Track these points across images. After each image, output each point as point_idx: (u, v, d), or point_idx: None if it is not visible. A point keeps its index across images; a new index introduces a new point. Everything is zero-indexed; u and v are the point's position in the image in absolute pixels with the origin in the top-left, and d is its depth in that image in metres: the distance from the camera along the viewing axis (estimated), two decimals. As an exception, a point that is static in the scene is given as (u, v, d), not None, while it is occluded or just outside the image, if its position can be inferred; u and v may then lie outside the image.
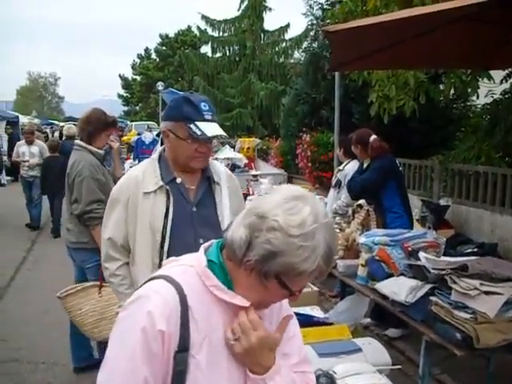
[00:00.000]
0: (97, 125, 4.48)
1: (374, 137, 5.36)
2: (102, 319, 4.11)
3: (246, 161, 13.71)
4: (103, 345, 4.45)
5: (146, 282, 1.49)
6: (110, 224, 2.70)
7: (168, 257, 2.28)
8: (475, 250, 6.53)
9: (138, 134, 15.13)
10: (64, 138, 12.63)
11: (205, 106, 2.49)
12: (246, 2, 26.75)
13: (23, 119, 27.62)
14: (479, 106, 10.44)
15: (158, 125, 18.84)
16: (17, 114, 27.82)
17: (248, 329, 1.42)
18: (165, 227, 2.55)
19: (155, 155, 2.72)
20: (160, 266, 2.17)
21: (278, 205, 1.34)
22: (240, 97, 25.49)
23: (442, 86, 8.11)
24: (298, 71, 15.52)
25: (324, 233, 1.34)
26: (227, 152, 13.89)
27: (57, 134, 21.62)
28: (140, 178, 2.61)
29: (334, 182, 6.36)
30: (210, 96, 25.27)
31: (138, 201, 2.59)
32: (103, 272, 2.89)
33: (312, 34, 14.23)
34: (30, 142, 11.34)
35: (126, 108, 55.76)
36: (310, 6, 14.08)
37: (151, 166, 2.66)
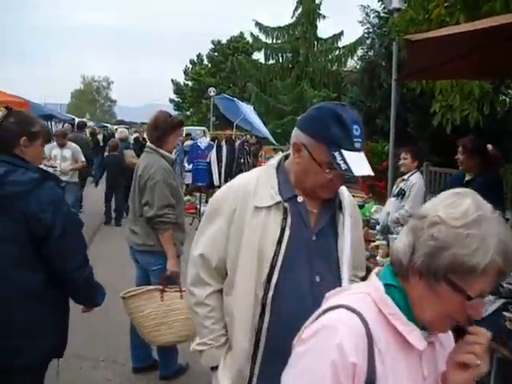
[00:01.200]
0: (164, 127, 4.47)
1: (490, 147, 5.15)
2: (162, 324, 4.15)
3: (299, 168, 13.68)
4: (162, 347, 4.54)
5: (321, 314, 1.35)
6: (204, 239, 2.22)
7: (276, 293, 2.03)
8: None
9: (192, 139, 15.24)
10: (119, 141, 13.02)
11: (357, 129, 1.96)
12: (300, 10, 26.77)
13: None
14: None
15: (209, 130, 18.95)
16: (73, 116, 28.60)
17: (483, 354, 1.33)
18: (276, 255, 2.05)
19: (273, 162, 2.23)
20: (264, 300, 2.04)
21: (437, 203, 1.29)
22: (292, 104, 25.48)
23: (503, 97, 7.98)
24: (353, 79, 15.46)
25: (493, 225, 1.23)
26: (280, 159, 13.90)
27: (100, 136, 22.04)
28: (251, 187, 2.13)
29: (395, 191, 6.25)
30: (263, 102, 25.44)
31: (246, 216, 2.09)
32: (188, 299, 2.32)
33: (368, 42, 14.12)
34: (61, 145, 10.29)
35: (176, 113, 56.43)
36: (367, 14, 14.02)
37: (267, 176, 2.16)
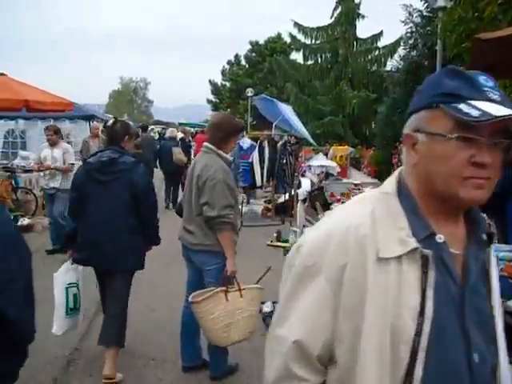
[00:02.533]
0: (228, 131, 4.54)
1: None
2: (230, 324, 4.24)
3: (339, 169, 13.61)
4: (212, 347, 4.57)
5: None
6: (297, 316, 1.43)
7: None
8: None
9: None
10: (167, 139, 14.34)
11: (486, 80, 1.32)
12: (339, 10, 26.62)
13: (118, 122, 28.67)
14: None
15: (247, 131, 18.97)
16: (112, 116, 28.99)
17: None
18: (419, 333, 1.30)
19: (389, 185, 1.48)
20: None
21: None
22: (331, 104, 25.35)
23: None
24: (394, 80, 15.30)
25: None
26: (321, 160, 13.85)
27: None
28: (366, 230, 1.38)
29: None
30: (302, 103, 25.36)
31: (367, 275, 1.34)
32: None
33: (411, 41, 13.95)
34: (53, 145, 9.23)
35: (213, 113, 56.72)
36: (410, 13, 13.85)
37: (386, 208, 1.42)
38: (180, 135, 18.49)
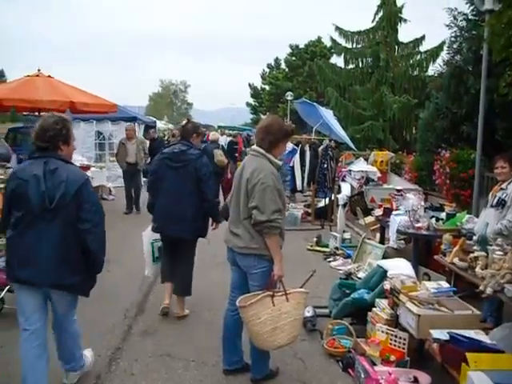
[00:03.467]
0: (277, 134, 4.54)
1: None
2: (276, 328, 4.28)
3: (380, 174, 13.49)
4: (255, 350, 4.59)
5: None
6: None
7: None
8: None
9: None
10: (210, 142, 14.50)
11: None
12: (380, 14, 26.37)
13: (159, 124, 29.06)
14: None
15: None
16: (154, 118, 29.34)
17: None
18: None
19: None
20: None
21: None
22: (372, 109, 25.11)
23: None
24: (437, 85, 15.06)
25: None
26: (361, 165, 13.74)
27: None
28: None
29: (493, 201, 6.04)
30: (342, 108, 25.18)
31: None
32: None
33: (455, 46, 13.70)
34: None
35: (252, 116, 56.85)
36: (454, 17, 13.61)
37: None
38: (230, 138, 21.62)
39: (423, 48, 26.05)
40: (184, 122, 6.69)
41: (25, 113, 17.17)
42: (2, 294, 5.99)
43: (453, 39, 13.82)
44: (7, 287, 5.80)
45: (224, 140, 22.64)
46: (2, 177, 10.67)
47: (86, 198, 4.04)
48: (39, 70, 12.67)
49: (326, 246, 10.15)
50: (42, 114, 13.74)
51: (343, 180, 13.02)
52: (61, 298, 4.20)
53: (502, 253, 4.77)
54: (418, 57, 26.13)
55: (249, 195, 4.40)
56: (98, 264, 4.23)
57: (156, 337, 5.76)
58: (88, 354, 4.91)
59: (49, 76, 12.57)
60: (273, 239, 4.36)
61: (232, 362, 4.92)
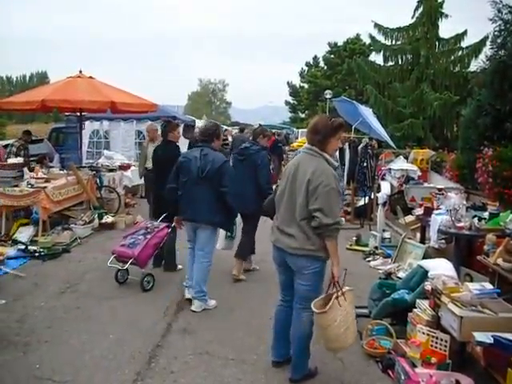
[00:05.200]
0: (325, 132, 4.52)
1: None
2: (347, 328, 4.39)
3: (420, 173, 13.29)
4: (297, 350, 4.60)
5: None
6: None
7: None
8: None
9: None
10: None
11: None
12: (420, 9, 26.02)
13: (199, 123, 29.21)
14: None
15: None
16: (193, 117, 29.52)
17: None
18: None
19: None
20: None
21: None
22: (412, 107, 24.83)
23: None
24: (480, 81, 14.76)
25: None
26: (401, 163, 13.55)
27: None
28: None
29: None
30: (382, 105, 24.98)
31: None
32: None
33: (499, 40, 13.38)
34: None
35: (291, 115, 56.77)
36: (499, 10, 13.30)
37: None
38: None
39: (465, 44, 25.68)
40: (255, 126, 7.70)
41: (67, 113, 17.50)
42: (127, 266, 7.31)
43: (497, 33, 13.49)
44: (131, 259, 7.21)
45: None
46: (46, 176, 10.94)
47: (224, 172, 6.45)
48: (80, 72, 12.89)
49: (366, 246, 10.06)
50: (83, 113, 14.05)
51: (383, 179, 12.85)
52: (203, 232, 6.55)
53: (548, 253, 4.65)
54: (460, 53, 25.74)
55: (309, 196, 4.36)
56: (233, 211, 6.73)
57: (195, 335, 5.79)
58: (213, 302, 6.73)
59: (90, 77, 12.77)
60: (334, 242, 4.38)
61: (281, 355, 5.00)
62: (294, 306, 4.72)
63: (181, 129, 22.25)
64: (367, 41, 33.84)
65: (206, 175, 6.34)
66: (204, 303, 6.57)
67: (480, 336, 4.08)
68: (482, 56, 20.79)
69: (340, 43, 47.03)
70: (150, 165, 10.28)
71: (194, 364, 5.10)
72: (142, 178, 11.55)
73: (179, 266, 8.12)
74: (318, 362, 5.09)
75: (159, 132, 9.78)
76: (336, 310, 4.29)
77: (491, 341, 3.97)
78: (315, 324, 4.54)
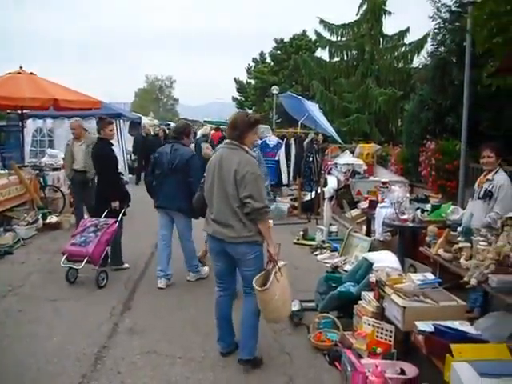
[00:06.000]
0: (242, 127, 4.84)
1: None
2: (284, 301, 4.81)
3: (366, 167, 13.50)
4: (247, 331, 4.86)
5: None
6: None
7: None
8: None
9: (260, 138, 15.29)
10: (200, 136, 15.06)
11: None
12: (365, 6, 26.36)
13: (144, 120, 28.94)
14: None
15: (272, 130, 18.76)
16: (139, 114, 29.17)
17: None
18: None
19: None
20: None
21: None
22: (357, 102, 25.16)
23: None
24: (422, 77, 15.08)
25: None
26: (347, 157, 13.75)
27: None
28: None
29: (480, 192, 6.03)
30: (328, 101, 25.22)
31: None
32: None
33: (439, 37, 13.70)
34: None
35: (238, 111, 56.68)
36: (438, 8, 13.61)
37: None
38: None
39: (408, 40, 26.16)
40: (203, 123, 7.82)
41: (8, 111, 16.99)
42: (83, 265, 7.25)
43: (436, 31, 13.82)
44: (86, 258, 7.20)
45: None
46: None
47: (191, 165, 7.10)
48: (21, 68, 12.48)
49: (313, 240, 10.15)
50: (25, 111, 13.67)
51: (329, 173, 13.01)
52: (179, 218, 7.33)
53: (486, 243, 4.77)
54: (403, 49, 26.23)
55: (238, 185, 4.64)
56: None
57: (142, 334, 5.72)
58: (206, 268, 7.81)
59: (31, 73, 12.42)
60: (265, 224, 4.73)
61: (228, 344, 5.18)
62: (243, 289, 4.98)
63: (127, 126, 21.99)
64: (313, 37, 34.08)
65: (175, 167, 7.08)
66: (198, 274, 7.67)
67: (422, 325, 4.17)
68: (423, 52, 21.23)
69: (286, 39, 47.18)
70: (78, 166, 10.04)
71: (141, 364, 5.03)
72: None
73: (126, 265, 8.03)
74: (266, 356, 5.13)
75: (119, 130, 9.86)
76: (275, 286, 4.62)
77: (432, 329, 4.06)
78: (258, 300, 4.72)
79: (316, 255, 9.27)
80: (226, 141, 4.97)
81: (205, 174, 5.19)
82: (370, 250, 7.60)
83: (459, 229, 5.64)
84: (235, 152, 4.79)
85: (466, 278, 4.59)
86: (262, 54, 51.14)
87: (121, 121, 19.30)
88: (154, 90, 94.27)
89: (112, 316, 6.24)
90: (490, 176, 5.95)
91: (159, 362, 5.08)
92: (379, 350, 4.77)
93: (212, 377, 4.80)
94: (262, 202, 4.61)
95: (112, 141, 8.17)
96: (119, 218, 7.77)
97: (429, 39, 17.69)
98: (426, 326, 4.14)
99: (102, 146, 8.03)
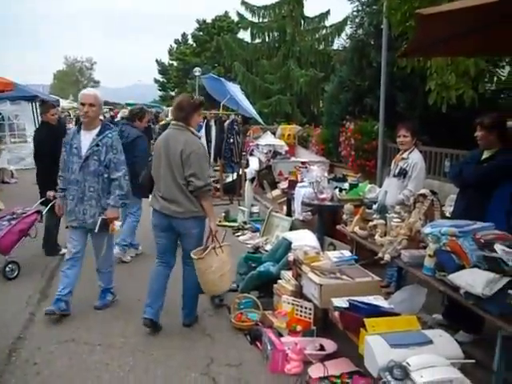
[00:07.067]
0: (188, 109, 5.09)
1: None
2: (222, 275, 5.12)
3: (287, 148, 13.62)
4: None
5: None
6: None
7: None
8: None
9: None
10: (119, 118, 14.76)
11: None
12: (286, -12, 26.44)
13: (63, 103, 28.08)
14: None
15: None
16: (57, 97, 28.25)
17: None
18: None
19: None
20: None
21: None
22: (279, 83, 25.30)
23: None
24: (341, 58, 15.32)
25: None
26: (269, 138, 13.82)
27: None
28: None
29: (395, 171, 6.18)
30: (250, 82, 25.23)
31: None
32: None
33: (357, 20, 13.95)
34: None
35: (161, 93, 55.93)
36: (356, -9, 13.83)
37: None
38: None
39: (329, 22, 26.49)
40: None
41: None
42: None
43: (355, 13, 14.08)
44: None
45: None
46: None
47: (136, 145, 7.35)
48: None
49: (235, 221, 10.16)
50: None
51: (251, 154, 13.06)
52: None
53: (399, 220, 4.91)
54: (324, 31, 26.56)
55: (183, 164, 4.92)
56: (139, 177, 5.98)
57: (60, 323, 5.49)
58: (128, 257, 7.72)
59: None
60: (208, 201, 5.12)
61: (156, 310, 5.29)
62: (184, 261, 5.31)
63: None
64: (235, 18, 33.95)
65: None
66: (123, 253, 7.62)
67: (337, 301, 4.25)
68: (344, 35, 21.58)
69: (209, 20, 46.76)
70: None
71: (58, 353, 4.87)
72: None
73: (63, 250, 7.71)
74: (187, 340, 5.10)
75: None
76: (212, 258, 5.01)
77: (347, 305, 4.15)
78: (196, 269, 5.06)
79: (238, 236, 9.29)
80: (173, 122, 5.22)
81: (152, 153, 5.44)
82: (291, 230, 7.66)
83: (374, 206, 5.77)
84: (181, 133, 5.04)
85: (380, 254, 4.71)
86: (184, 36, 50.53)
87: (37, 103, 18.60)
88: (74, 71, 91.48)
89: (28, 305, 6.00)
90: (405, 155, 6.11)
91: (77, 350, 4.92)
92: (299, 327, 4.84)
93: (132, 362, 4.71)
94: (204, 181, 4.93)
95: (29, 124, 7.99)
96: (47, 208, 7.36)
97: (348, 22, 18.00)
98: (341, 302, 4.22)
99: (40, 130, 8.04)
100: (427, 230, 4.22)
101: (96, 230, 5.49)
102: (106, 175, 5.47)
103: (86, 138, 5.49)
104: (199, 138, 5.33)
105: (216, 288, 5.29)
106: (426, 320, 5.27)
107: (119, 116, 16.06)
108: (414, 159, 6.02)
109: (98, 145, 5.44)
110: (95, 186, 5.46)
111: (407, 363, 3.11)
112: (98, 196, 5.48)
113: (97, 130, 5.52)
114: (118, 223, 5.67)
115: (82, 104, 5.41)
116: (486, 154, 4.87)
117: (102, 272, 5.94)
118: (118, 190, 5.47)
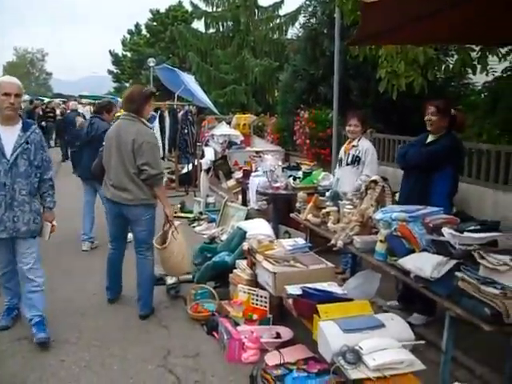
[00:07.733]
0: (139, 101, 5.18)
1: (453, 111, 5.07)
2: (183, 257, 5.55)
3: (242, 137, 13.61)
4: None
5: None
6: None
7: None
8: (478, 227, 6.47)
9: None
10: (69, 111, 15.52)
11: None
12: (239, -23, 26.33)
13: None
14: (477, 85, 10.46)
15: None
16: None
17: None
18: None
19: None
20: None
21: None
22: (234, 73, 25.25)
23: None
24: (295, 48, 15.37)
25: None
26: (224, 128, 13.77)
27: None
28: None
29: (347, 158, 6.26)
30: (204, 72, 25.11)
31: None
32: None
33: (310, 9, 14.00)
34: None
35: (115, 84, 55.16)
36: (308, -20, 13.88)
37: None
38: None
39: (282, 12, 26.54)
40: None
41: None
42: None
43: (308, 3, 14.13)
44: None
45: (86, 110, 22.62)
46: None
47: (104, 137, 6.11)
48: None
49: (191, 212, 10.13)
50: None
51: (206, 145, 12.99)
52: (98, 186, 6.97)
53: (351, 207, 4.96)
54: (278, 21, 26.59)
55: (135, 153, 5.02)
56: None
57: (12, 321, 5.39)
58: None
59: None
60: (162, 189, 5.33)
61: (116, 292, 5.82)
62: (136, 251, 5.38)
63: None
64: (189, 8, 33.66)
65: (91, 138, 7.60)
66: (91, 244, 7.97)
67: (291, 289, 4.28)
68: (297, 24, 21.64)
69: (162, 10, 46.21)
70: None
71: (10, 353, 4.73)
72: None
73: None
74: (144, 332, 5.07)
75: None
76: (173, 243, 5.32)
77: (300, 292, 4.18)
78: (159, 258, 5.43)
79: (194, 227, 9.25)
80: (124, 113, 5.36)
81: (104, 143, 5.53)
82: (246, 219, 7.68)
83: (327, 194, 5.82)
84: (133, 123, 5.14)
85: (332, 241, 4.75)
86: (137, 26, 49.86)
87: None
88: (25, 63, 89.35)
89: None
90: (354, 142, 6.22)
91: (31, 347, 4.80)
92: (255, 316, 4.86)
93: (88, 357, 4.64)
94: (157, 169, 5.09)
95: None
96: None
97: (302, 11, 18.06)
98: (294, 289, 4.25)
99: None
100: (378, 215, 4.29)
101: (47, 238, 4.95)
102: (34, 176, 4.74)
103: (8, 136, 4.60)
104: (151, 130, 5.58)
105: (181, 270, 5.72)
106: (381, 304, 5.37)
107: (69, 109, 16.05)
108: (365, 145, 6.14)
109: (27, 142, 4.65)
110: (26, 189, 4.68)
111: (359, 347, 3.17)
112: (29, 200, 4.73)
113: (19, 126, 4.68)
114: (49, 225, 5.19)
115: (7, 94, 4.49)
116: (430, 138, 5.03)
117: (31, 291, 4.98)
118: (51, 191, 4.95)
